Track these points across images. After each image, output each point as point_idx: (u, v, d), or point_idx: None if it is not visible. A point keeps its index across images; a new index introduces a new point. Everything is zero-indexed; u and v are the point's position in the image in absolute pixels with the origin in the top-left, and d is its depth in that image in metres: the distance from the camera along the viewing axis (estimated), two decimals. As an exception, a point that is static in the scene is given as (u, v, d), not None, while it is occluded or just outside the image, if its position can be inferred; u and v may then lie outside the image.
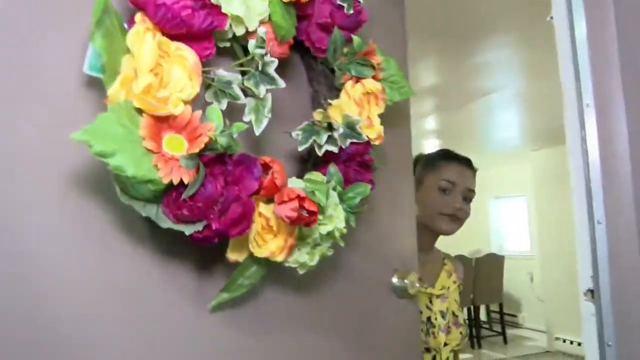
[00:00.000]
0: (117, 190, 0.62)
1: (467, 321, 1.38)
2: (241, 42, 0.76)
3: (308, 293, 0.86)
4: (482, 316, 6.43)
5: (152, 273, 0.70)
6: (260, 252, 0.71)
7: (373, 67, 0.83)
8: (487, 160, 7.03)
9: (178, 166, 0.61)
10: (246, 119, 0.71)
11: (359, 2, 0.83)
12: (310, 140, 0.78)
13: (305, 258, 0.76)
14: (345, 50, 0.82)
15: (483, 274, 5.82)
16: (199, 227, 0.65)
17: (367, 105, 0.83)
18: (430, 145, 5.60)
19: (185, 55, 0.63)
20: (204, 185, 0.63)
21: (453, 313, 1.33)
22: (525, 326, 6.92)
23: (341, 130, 0.79)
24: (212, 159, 0.65)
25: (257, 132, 0.72)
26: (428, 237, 1.38)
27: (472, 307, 5.84)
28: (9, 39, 0.62)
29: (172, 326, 0.71)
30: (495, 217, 7.63)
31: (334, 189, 0.78)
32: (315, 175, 0.78)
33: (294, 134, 0.78)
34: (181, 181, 0.61)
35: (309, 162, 0.84)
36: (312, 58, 0.83)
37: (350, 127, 0.80)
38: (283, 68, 0.82)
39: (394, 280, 0.98)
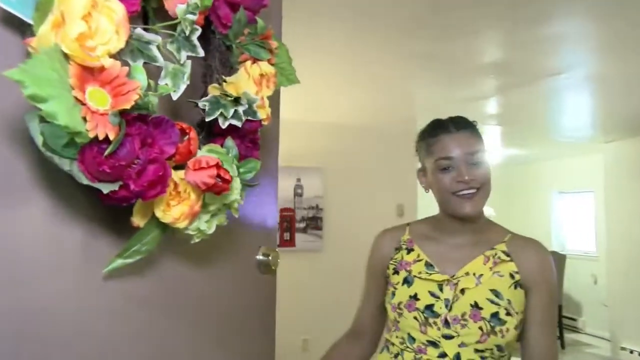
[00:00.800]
0: (38, 141, 0.59)
1: (508, 317, 1.16)
2: (152, 4, 0.76)
3: (186, 262, 0.90)
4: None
5: (41, 232, 0.71)
6: (165, 218, 0.73)
7: (270, 50, 0.87)
8: (553, 151, 6.57)
9: (106, 121, 0.61)
10: (162, 82, 0.73)
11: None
12: (218, 112, 0.80)
13: (204, 226, 0.79)
14: (246, 30, 0.85)
15: (541, 273, 5.46)
16: (115, 186, 0.66)
17: (261, 87, 0.86)
18: (490, 131, 5.22)
19: (114, 8, 0.63)
20: (123, 144, 0.64)
21: (476, 304, 1.14)
22: (586, 332, 6.53)
23: (246, 106, 0.82)
24: (132, 118, 0.65)
25: (175, 97, 0.74)
26: (452, 221, 1.23)
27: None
28: None
29: (61, 287, 0.72)
30: (559, 214, 7.17)
31: (232, 162, 0.82)
32: (216, 147, 0.80)
33: (200, 104, 0.80)
34: (101, 138, 0.61)
35: (200, 134, 0.86)
36: (212, 32, 0.85)
37: (249, 104, 0.83)
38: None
39: (259, 256, 1.03)
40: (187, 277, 0.91)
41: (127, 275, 0.79)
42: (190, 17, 0.73)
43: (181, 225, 0.75)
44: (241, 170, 0.85)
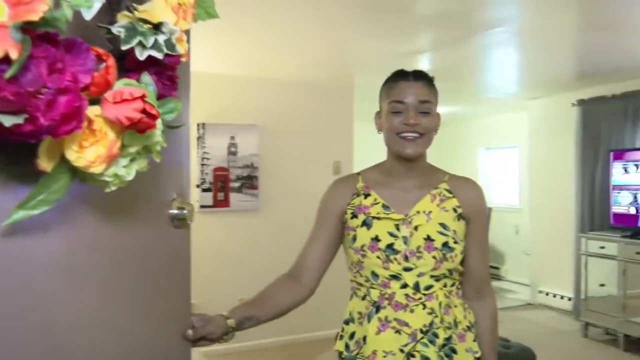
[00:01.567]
0: None
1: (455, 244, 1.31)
2: None
3: (96, 215, 0.80)
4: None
5: None
6: (78, 161, 0.63)
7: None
8: (481, 108, 6.76)
9: (5, 35, 0.51)
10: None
11: None
12: (135, 41, 0.69)
13: (122, 171, 0.69)
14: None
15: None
16: (19, 119, 0.56)
17: (178, 18, 0.77)
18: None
19: None
20: (27, 68, 0.54)
21: (429, 237, 1.32)
22: (508, 279, 6.95)
23: (167, 36, 0.73)
24: (38, 37, 0.55)
25: (88, 16, 0.63)
26: (402, 164, 1.38)
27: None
28: None
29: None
30: (485, 169, 7.47)
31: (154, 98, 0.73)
32: (132, 82, 0.69)
33: (115, 30, 0.68)
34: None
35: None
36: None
37: (169, 35, 0.74)
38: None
39: (173, 210, 0.97)
40: (98, 232, 0.81)
41: (31, 229, 0.68)
42: None
43: (96, 170, 0.65)
44: (160, 110, 0.75)
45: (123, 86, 0.66)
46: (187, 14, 0.79)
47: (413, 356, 1.28)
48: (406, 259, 1.31)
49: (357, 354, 1.34)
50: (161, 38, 0.72)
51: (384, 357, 1.28)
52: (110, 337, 0.84)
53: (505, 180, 7.26)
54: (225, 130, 4.25)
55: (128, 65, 0.73)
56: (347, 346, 1.38)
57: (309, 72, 4.45)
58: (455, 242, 1.33)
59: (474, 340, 1.36)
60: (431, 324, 1.29)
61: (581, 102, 5.11)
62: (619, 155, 4.53)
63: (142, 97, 0.63)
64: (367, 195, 1.39)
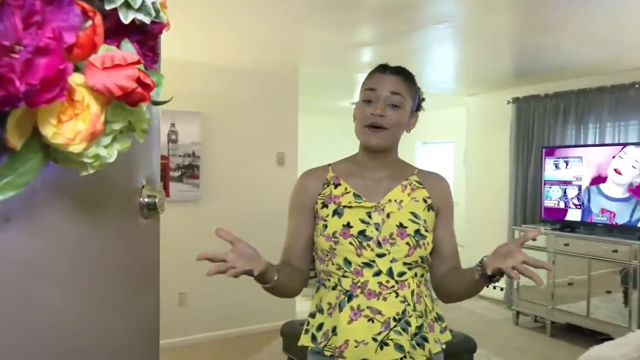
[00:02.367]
0: None
1: (426, 232, 1.34)
2: None
3: (65, 202, 0.70)
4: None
5: None
6: (56, 138, 0.54)
7: None
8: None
9: None
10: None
11: None
12: (121, 0, 0.60)
13: (104, 152, 0.60)
14: None
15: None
16: None
17: None
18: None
19: None
20: None
21: (401, 225, 1.33)
22: (443, 270, 7.09)
23: None
24: None
25: None
26: (369, 156, 1.40)
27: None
28: None
29: None
30: (422, 162, 7.64)
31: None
32: (112, 48, 0.60)
33: None
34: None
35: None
36: None
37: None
38: None
39: (143, 199, 0.90)
40: (64, 222, 0.71)
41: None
42: None
43: (76, 149, 0.54)
44: (144, 83, 0.65)
45: (109, 51, 0.55)
46: None
47: (386, 344, 1.26)
48: (379, 245, 1.31)
49: (326, 345, 1.30)
50: (149, 0, 0.63)
51: (356, 346, 1.26)
52: (79, 330, 0.75)
53: (442, 174, 7.45)
54: (165, 116, 4.04)
55: (106, 30, 0.62)
56: (314, 338, 1.34)
57: (253, 59, 4.33)
58: (426, 231, 1.35)
59: (441, 332, 1.37)
60: (404, 312, 1.29)
61: (516, 100, 5.32)
62: (550, 151, 4.76)
63: (137, 64, 0.54)
64: (337, 185, 1.39)
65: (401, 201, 1.37)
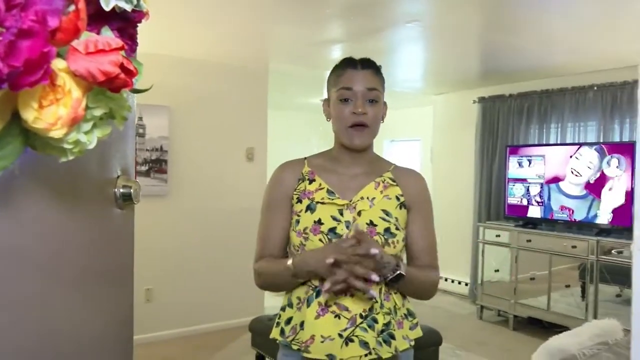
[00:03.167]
0: None
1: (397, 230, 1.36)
2: None
3: (41, 189, 0.69)
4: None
5: None
6: (37, 122, 0.53)
7: None
8: (389, 101, 6.95)
9: None
10: None
11: None
12: None
13: (84, 138, 0.59)
14: None
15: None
16: None
17: None
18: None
19: None
20: None
21: (371, 222, 1.33)
22: (409, 266, 7.20)
23: None
24: None
25: None
26: (345, 152, 1.40)
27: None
28: None
29: None
30: (390, 160, 7.71)
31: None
32: (91, 35, 0.59)
33: None
34: None
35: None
36: None
37: None
38: None
39: (118, 189, 0.91)
40: (41, 210, 0.70)
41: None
42: None
43: (57, 134, 0.54)
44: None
45: (91, 36, 0.55)
46: None
47: (352, 341, 1.27)
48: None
49: (293, 339, 1.31)
50: None
51: (322, 342, 1.27)
52: (52, 318, 0.74)
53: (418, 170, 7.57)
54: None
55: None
56: (282, 332, 1.35)
57: (223, 53, 4.29)
58: (397, 229, 1.35)
59: (410, 329, 1.38)
60: (371, 309, 1.30)
61: (482, 100, 5.44)
62: (514, 150, 4.90)
63: (121, 49, 0.54)
64: (311, 181, 1.40)
65: (373, 198, 1.37)
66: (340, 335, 1.27)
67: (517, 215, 4.82)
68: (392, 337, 1.31)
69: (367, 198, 1.37)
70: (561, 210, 4.49)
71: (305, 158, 1.46)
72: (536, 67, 4.57)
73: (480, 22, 3.54)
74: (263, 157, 4.62)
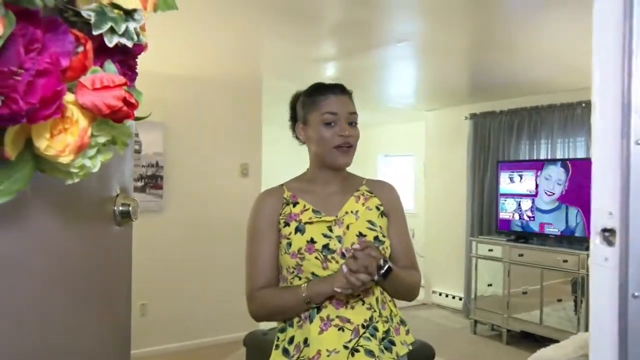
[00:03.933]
0: None
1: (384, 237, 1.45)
2: None
3: (47, 209, 0.74)
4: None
5: None
6: (48, 150, 0.59)
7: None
8: (381, 117, 7.06)
9: None
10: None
11: None
12: (107, 26, 0.65)
13: (89, 163, 0.66)
14: None
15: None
16: None
17: (145, 6, 0.74)
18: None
19: None
20: (6, 46, 0.51)
21: (361, 234, 1.40)
22: (403, 280, 7.21)
23: (137, 24, 0.69)
24: (19, 13, 0.52)
25: None
26: (326, 172, 1.47)
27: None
28: None
29: None
30: (383, 175, 7.79)
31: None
32: (96, 69, 0.65)
33: (85, 13, 0.64)
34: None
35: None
36: None
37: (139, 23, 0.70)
38: None
39: (117, 207, 0.95)
40: (45, 228, 0.75)
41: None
42: None
43: (65, 160, 0.59)
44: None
45: (97, 73, 0.61)
46: (149, 4, 0.75)
47: (357, 351, 1.31)
48: (343, 256, 1.36)
49: (299, 357, 1.34)
50: (132, 25, 0.68)
51: (328, 355, 1.30)
52: (53, 333, 0.78)
53: (402, 186, 7.64)
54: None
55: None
56: (286, 352, 1.37)
57: (217, 70, 4.37)
58: (384, 236, 1.43)
59: (407, 334, 1.44)
60: (371, 318, 1.35)
61: (473, 116, 5.53)
62: (505, 165, 4.97)
63: (124, 85, 0.60)
64: (295, 204, 1.44)
65: (357, 211, 1.44)
66: (346, 347, 1.31)
67: (509, 230, 4.88)
68: (393, 343, 1.37)
69: (352, 212, 1.44)
70: (540, 228, 4.62)
71: (281, 185, 1.50)
72: (525, 84, 4.67)
73: (470, 42, 3.64)
74: (257, 173, 4.67)
